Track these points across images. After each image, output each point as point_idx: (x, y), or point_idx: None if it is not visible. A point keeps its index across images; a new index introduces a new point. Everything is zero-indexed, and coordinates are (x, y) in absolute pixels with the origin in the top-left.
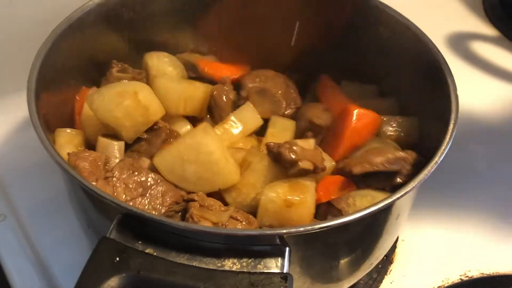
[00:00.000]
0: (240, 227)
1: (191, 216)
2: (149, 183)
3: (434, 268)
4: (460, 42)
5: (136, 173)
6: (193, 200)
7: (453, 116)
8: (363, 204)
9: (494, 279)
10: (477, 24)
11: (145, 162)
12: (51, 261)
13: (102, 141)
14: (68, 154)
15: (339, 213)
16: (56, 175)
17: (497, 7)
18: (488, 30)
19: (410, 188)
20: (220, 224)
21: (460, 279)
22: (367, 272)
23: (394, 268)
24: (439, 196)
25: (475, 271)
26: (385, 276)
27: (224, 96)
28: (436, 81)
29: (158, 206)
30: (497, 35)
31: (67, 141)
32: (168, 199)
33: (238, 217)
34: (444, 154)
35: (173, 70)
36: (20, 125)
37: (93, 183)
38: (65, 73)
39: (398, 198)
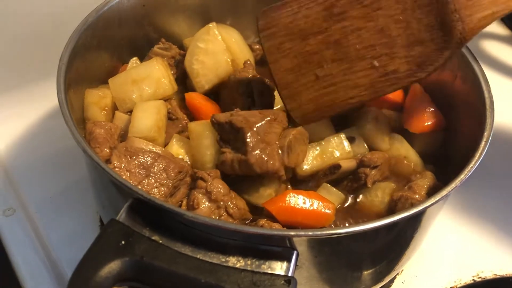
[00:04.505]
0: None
1: (193, 202)
2: (149, 162)
3: (446, 269)
4: (471, 41)
5: (134, 157)
6: (202, 179)
7: (486, 134)
8: None
9: (508, 280)
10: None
11: (135, 141)
12: (60, 255)
13: (119, 115)
14: (87, 122)
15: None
16: (66, 170)
17: None
18: (499, 29)
19: (422, 208)
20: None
21: (473, 280)
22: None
23: (406, 268)
24: (452, 197)
25: (488, 272)
26: (397, 276)
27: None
28: (474, 97)
29: (165, 181)
30: (509, 34)
31: (95, 101)
32: (172, 173)
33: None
34: (473, 170)
35: None
36: (30, 120)
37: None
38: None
39: (407, 216)
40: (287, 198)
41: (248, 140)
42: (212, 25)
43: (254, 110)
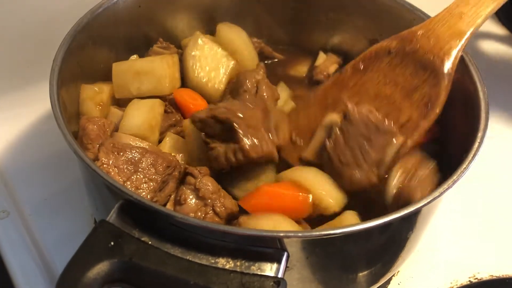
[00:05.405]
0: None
1: (180, 198)
2: (136, 158)
3: (443, 270)
4: (469, 41)
5: (122, 153)
6: (192, 175)
7: (480, 135)
8: None
9: (504, 281)
10: (487, 23)
11: (122, 137)
12: (54, 257)
13: (114, 111)
14: (81, 117)
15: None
16: (60, 172)
17: (507, 6)
18: (498, 29)
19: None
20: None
21: (469, 281)
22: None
23: (402, 269)
24: (448, 197)
25: (485, 273)
26: (393, 277)
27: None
28: (469, 97)
29: (153, 176)
30: (507, 34)
31: (90, 96)
32: (160, 168)
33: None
34: (466, 171)
35: None
36: (25, 122)
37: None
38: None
39: (400, 217)
40: (260, 195)
41: (237, 128)
42: (197, 33)
43: (232, 100)
